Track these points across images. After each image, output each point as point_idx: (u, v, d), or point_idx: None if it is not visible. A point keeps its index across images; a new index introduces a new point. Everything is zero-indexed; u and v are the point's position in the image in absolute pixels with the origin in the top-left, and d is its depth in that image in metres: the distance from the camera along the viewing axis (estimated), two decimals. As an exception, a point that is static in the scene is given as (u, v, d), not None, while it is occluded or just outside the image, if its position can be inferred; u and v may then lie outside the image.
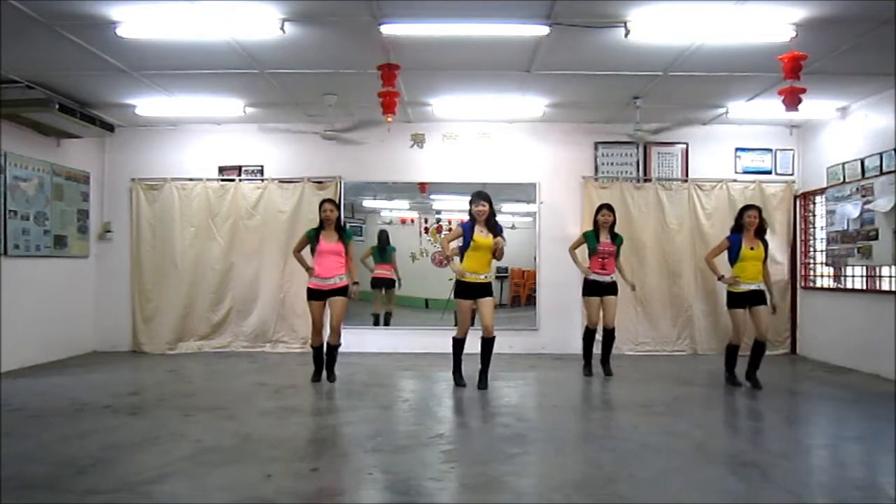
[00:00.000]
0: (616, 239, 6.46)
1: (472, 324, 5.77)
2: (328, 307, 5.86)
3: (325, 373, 6.04)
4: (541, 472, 3.60)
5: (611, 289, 6.44)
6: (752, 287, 5.77)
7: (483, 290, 5.68)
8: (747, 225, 5.80)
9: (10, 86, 6.20)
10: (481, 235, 5.63)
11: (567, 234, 7.95)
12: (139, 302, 7.99)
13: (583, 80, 6.38)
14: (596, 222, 6.50)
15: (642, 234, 7.94)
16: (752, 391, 5.64)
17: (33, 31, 4.97)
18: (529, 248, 8.17)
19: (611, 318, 6.45)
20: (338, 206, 6.03)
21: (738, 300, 5.80)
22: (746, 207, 5.93)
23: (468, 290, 5.65)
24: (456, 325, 5.81)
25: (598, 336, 6.57)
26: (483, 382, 5.72)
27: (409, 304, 8.22)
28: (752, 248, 5.77)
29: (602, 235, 6.44)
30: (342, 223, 6.09)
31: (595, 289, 6.44)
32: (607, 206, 6.54)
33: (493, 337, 5.71)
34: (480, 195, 5.68)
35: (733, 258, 5.83)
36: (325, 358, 5.99)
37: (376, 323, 8.17)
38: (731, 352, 5.98)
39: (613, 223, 6.49)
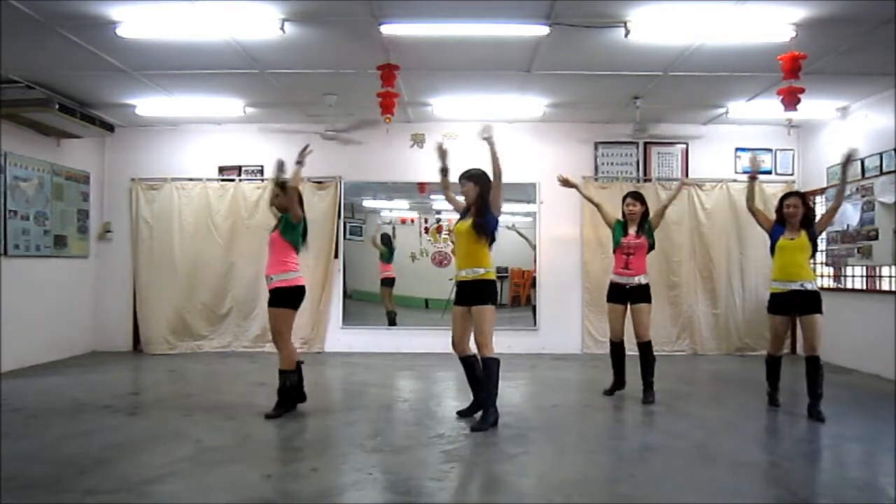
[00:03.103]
0: (647, 232, 5.39)
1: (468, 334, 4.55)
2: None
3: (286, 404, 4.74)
4: (541, 472, 3.59)
5: (639, 293, 5.27)
6: (793, 286, 4.82)
7: (469, 291, 4.44)
8: (788, 216, 4.88)
9: (10, 86, 6.19)
10: (461, 221, 4.60)
11: (567, 233, 7.95)
12: (139, 302, 7.98)
13: (583, 80, 6.37)
14: (624, 213, 5.46)
15: (642, 234, 7.94)
16: (753, 392, 5.61)
17: (33, 31, 4.97)
18: (529, 248, 8.16)
19: (643, 330, 5.25)
20: (280, 187, 4.77)
21: (776, 303, 4.93)
22: (787, 196, 5.00)
23: (456, 293, 4.55)
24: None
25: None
26: (483, 419, 4.40)
27: (409, 304, 8.23)
28: (791, 238, 4.84)
29: (630, 228, 5.40)
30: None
31: (617, 293, 5.34)
32: (633, 195, 5.48)
33: (491, 358, 4.35)
34: (465, 173, 4.69)
35: (771, 248, 4.97)
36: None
37: (392, 322, 8.22)
38: (770, 365, 5.18)
39: (646, 214, 5.44)
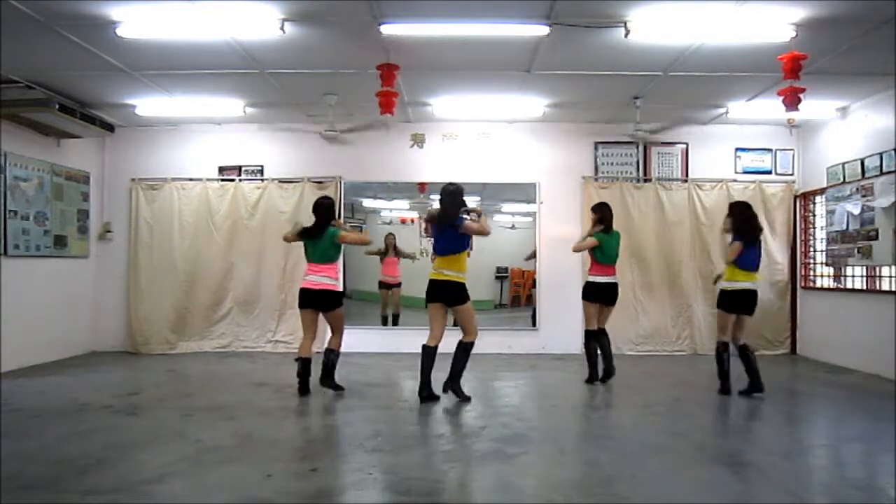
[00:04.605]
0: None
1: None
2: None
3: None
4: (541, 472, 3.59)
5: (615, 294, 6.07)
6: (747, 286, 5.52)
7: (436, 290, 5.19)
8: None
9: (10, 86, 6.19)
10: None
11: (567, 233, 7.95)
12: (139, 302, 7.97)
13: (583, 80, 6.37)
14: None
15: (642, 235, 7.93)
16: (753, 392, 5.61)
17: (33, 31, 4.97)
18: (529, 248, 8.16)
19: (604, 322, 6.15)
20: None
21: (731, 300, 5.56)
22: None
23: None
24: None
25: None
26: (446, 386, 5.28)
27: (409, 304, 8.22)
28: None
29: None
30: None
31: (601, 293, 6.02)
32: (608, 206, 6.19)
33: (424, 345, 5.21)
34: (444, 188, 5.24)
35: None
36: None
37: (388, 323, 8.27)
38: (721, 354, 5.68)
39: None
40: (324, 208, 5.45)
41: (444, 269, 5.16)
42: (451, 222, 5.08)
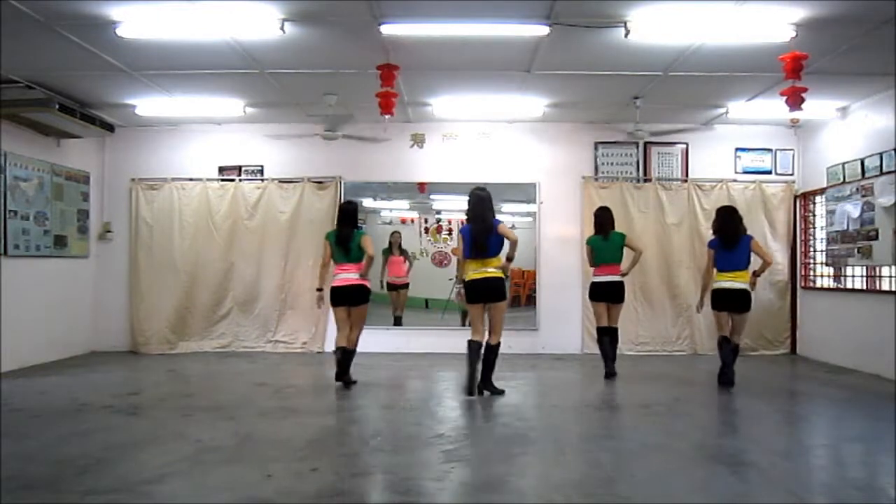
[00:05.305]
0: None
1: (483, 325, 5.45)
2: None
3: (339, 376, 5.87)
4: (541, 472, 3.59)
5: (619, 291, 6.27)
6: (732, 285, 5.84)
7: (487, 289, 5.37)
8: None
9: (10, 86, 6.19)
10: None
11: (567, 233, 7.96)
12: (139, 302, 7.97)
13: (583, 80, 6.38)
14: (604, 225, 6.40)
15: (642, 234, 7.92)
16: (752, 392, 5.61)
17: (33, 31, 4.97)
18: (530, 248, 8.15)
19: (615, 321, 6.36)
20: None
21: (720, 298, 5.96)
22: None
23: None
24: (469, 326, 5.58)
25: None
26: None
27: (409, 304, 8.21)
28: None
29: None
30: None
31: (602, 292, 6.32)
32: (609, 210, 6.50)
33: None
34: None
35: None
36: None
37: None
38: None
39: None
40: (350, 213, 5.84)
41: (487, 267, 5.35)
42: (491, 225, 5.32)
